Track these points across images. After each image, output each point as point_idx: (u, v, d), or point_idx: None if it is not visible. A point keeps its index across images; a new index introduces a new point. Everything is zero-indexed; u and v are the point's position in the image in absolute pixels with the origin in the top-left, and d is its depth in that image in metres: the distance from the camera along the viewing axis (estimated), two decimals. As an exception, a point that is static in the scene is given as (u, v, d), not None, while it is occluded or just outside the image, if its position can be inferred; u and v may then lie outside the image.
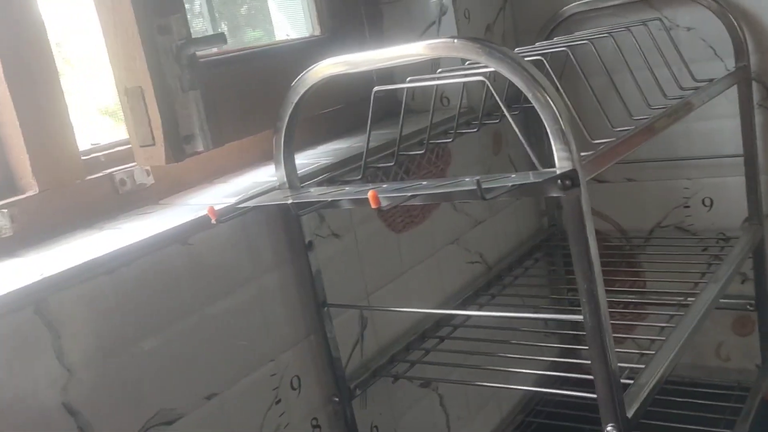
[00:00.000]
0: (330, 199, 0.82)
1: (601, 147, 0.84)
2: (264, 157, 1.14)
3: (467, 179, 0.77)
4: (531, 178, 0.72)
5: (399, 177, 1.18)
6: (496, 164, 1.41)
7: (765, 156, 1.32)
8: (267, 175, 1.03)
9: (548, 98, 0.72)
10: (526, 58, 1.01)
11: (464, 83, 1.23)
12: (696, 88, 1.12)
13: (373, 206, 0.71)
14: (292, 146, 0.94)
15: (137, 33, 0.82)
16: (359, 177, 0.99)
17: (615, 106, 0.98)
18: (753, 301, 1.37)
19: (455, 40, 0.76)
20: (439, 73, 1.05)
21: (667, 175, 1.42)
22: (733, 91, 1.28)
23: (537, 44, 1.24)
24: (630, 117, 1.00)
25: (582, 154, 0.77)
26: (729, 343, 1.45)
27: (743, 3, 1.27)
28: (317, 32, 1.26)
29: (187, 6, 0.89)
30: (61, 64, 0.91)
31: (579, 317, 0.78)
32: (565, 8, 1.41)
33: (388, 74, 1.34)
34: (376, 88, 0.95)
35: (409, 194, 0.74)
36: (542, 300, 1.44)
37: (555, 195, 0.74)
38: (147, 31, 0.83)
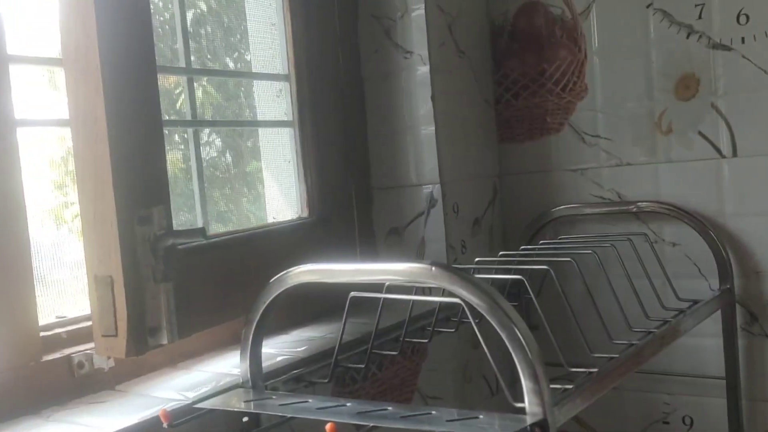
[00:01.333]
0: (289, 415, 0.79)
1: (581, 382, 0.82)
2: (233, 340, 1.10)
3: (433, 413, 0.73)
4: (497, 426, 0.69)
5: (371, 373, 1.15)
6: (473, 359, 1.38)
7: (748, 381, 1.29)
8: (232, 364, 1.00)
9: (519, 336, 0.70)
10: (507, 276, 1.01)
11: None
12: (681, 311, 1.11)
13: (331, 440, 0.67)
14: (260, 344, 0.91)
15: (116, 224, 0.81)
16: (327, 380, 0.96)
17: (596, 325, 0.96)
18: None
19: (433, 268, 0.75)
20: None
21: (648, 387, 1.39)
22: (717, 311, 1.27)
23: (521, 248, 1.24)
24: (610, 340, 0.98)
25: (554, 386, 0.74)
26: None
27: (728, 226, 1.28)
28: (305, 215, 1.27)
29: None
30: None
31: None
32: (553, 210, 1.42)
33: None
34: (352, 294, 0.93)
35: (362, 422, 0.70)
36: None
37: (523, 442, 0.70)
38: (126, 222, 0.83)
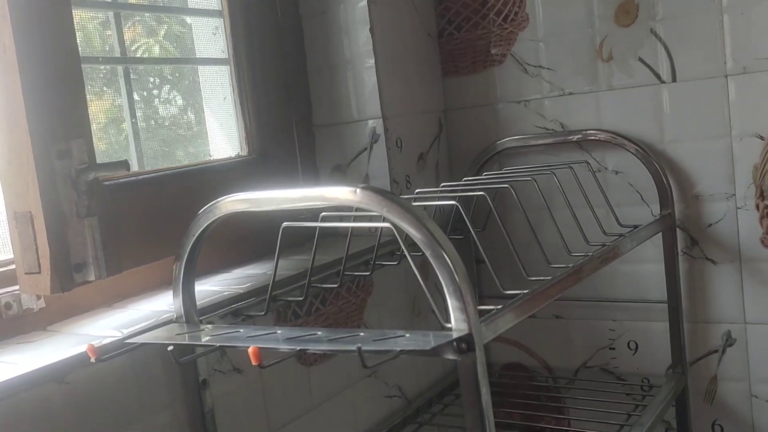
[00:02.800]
0: (218, 344, 0.78)
1: (510, 302, 0.82)
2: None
3: (361, 335, 0.73)
4: (422, 342, 0.68)
5: (314, 308, 1.15)
6: (422, 291, 1.38)
7: (689, 304, 1.31)
8: (170, 302, 0.99)
9: (444, 254, 0.70)
10: (441, 201, 1.00)
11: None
12: (621, 235, 1.12)
13: (254, 363, 0.67)
14: (192, 278, 0.90)
15: (32, 158, 0.79)
16: (264, 313, 0.95)
17: (538, 254, 0.96)
18: (676, 452, 1.33)
19: (357, 189, 0.74)
20: (357, 210, 1.03)
21: (593, 314, 1.41)
22: (659, 237, 1.28)
23: (464, 179, 1.24)
24: (548, 264, 0.98)
25: (483, 308, 0.74)
26: (652, 494, 1.41)
27: (668, 152, 1.28)
28: (244, 152, 1.25)
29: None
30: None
31: (473, 488, 0.73)
32: (497, 142, 1.42)
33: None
34: (284, 224, 0.92)
35: (288, 348, 0.70)
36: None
37: (451, 358, 0.70)
38: (43, 155, 0.80)
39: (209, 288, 1.03)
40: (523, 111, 1.40)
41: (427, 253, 0.71)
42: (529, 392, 1.45)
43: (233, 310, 0.97)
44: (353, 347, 0.65)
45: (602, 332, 1.40)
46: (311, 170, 1.35)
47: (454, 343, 0.69)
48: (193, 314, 0.90)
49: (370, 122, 1.31)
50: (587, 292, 1.39)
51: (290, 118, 1.31)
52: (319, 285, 1.06)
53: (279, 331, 0.79)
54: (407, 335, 0.72)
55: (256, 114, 1.25)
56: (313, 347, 0.71)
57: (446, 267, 0.70)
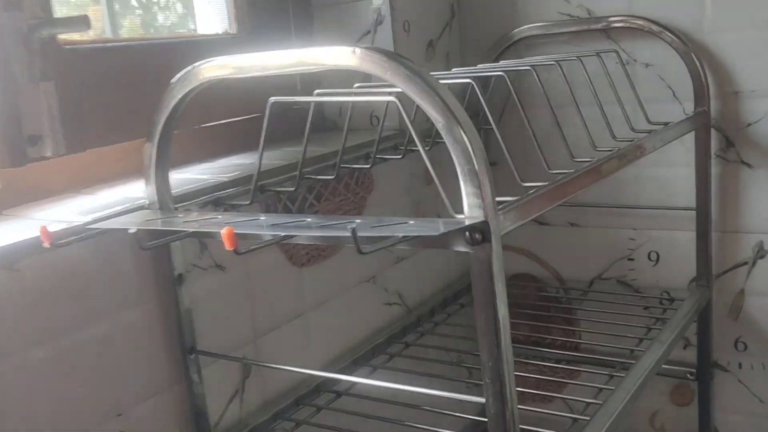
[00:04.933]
0: (191, 230, 0.67)
1: (530, 192, 0.71)
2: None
3: (357, 221, 0.62)
4: (429, 228, 0.57)
5: (308, 204, 1.03)
6: (427, 195, 1.27)
7: (719, 211, 1.20)
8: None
9: (460, 129, 0.58)
10: (454, 80, 0.87)
11: (387, 102, 1.08)
12: (650, 131, 1.00)
13: (228, 248, 0.56)
14: (167, 160, 0.78)
15: (-29, 6, 0.66)
16: (248, 202, 0.84)
17: (559, 144, 0.85)
18: (694, 370, 1.24)
19: (357, 50, 0.62)
20: (356, 87, 0.91)
21: (612, 222, 1.30)
22: (690, 138, 1.16)
23: (479, 66, 1.10)
24: (572, 158, 0.87)
25: (500, 199, 0.63)
26: (665, 413, 1.33)
27: (708, 43, 1.15)
28: (233, 30, 1.11)
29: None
30: None
31: (481, 399, 0.63)
32: (516, 30, 1.28)
33: (316, 80, 1.19)
34: (272, 99, 0.80)
35: (272, 234, 0.59)
36: (460, 356, 1.30)
37: (461, 250, 0.59)
38: (-14, 5, 0.67)
39: (189, 176, 0.92)
40: (546, -5, 1.26)
41: (439, 127, 0.59)
42: (538, 303, 1.36)
43: (214, 199, 0.86)
44: (347, 232, 0.54)
45: (621, 241, 1.30)
46: (309, 55, 1.22)
47: (467, 233, 0.58)
48: (167, 201, 0.79)
49: (375, 1, 1.17)
50: (607, 198, 1.28)
51: (285, -7, 1.17)
52: (313, 176, 0.95)
53: (263, 218, 0.68)
54: (411, 222, 0.61)
55: (248, -13, 1.11)
56: (300, 233, 0.60)
57: (461, 144, 0.58)
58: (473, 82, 0.81)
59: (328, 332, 1.07)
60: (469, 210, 0.59)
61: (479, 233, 0.58)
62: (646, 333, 1.12)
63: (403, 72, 0.60)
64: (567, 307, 1.32)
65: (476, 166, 0.58)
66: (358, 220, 0.62)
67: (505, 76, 0.85)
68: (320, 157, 1.00)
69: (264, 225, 0.65)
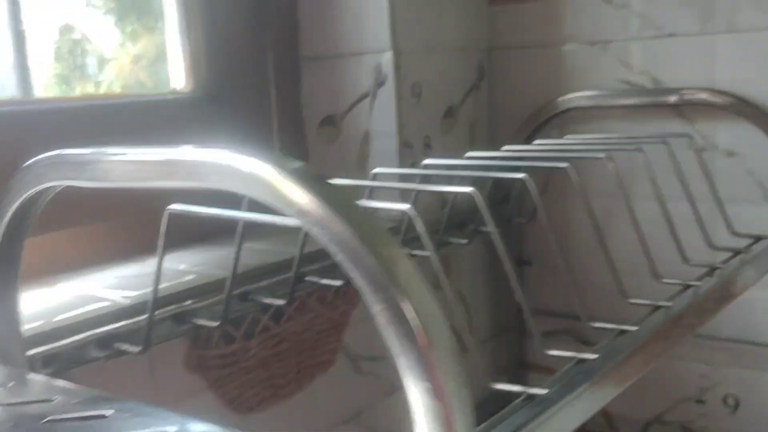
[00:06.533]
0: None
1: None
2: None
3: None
4: None
5: (260, 328, 0.77)
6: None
7: (824, 354, 0.90)
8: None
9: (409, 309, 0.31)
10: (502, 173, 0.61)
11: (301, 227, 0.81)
12: (736, 251, 0.72)
13: None
14: (14, 292, 0.52)
15: None
16: (140, 348, 0.58)
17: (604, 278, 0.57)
18: None
19: (226, 152, 0.36)
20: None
21: (679, 352, 1.01)
22: (788, 254, 0.87)
23: (504, 148, 0.83)
24: (623, 298, 0.61)
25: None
26: None
27: (817, 127, 0.86)
28: (188, 88, 0.86)
29: None
30: None
31: None
32: (560, 99, 1.01)
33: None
34: (169, 208, 0.53)
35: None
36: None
37: None
38: None
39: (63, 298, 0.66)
40: (601, 56, 0.99)
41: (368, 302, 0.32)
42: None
43: (97, 338, 0.59)
44: None
45: (689, 378, 1.01)
46: (292, 121, 0.97)
47: None
48: (15, 352, 0.53)
49: (374, 56, 0.91)
50: (671, 320, 0.99)
51: (262, 42, 0.92)
52: (257, 299, 0.68)
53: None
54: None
55: (210, 33, 0.86)
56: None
57: (406, 327, 0.31)
58: (474, 193, 0.54)
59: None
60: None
61: None
62: None
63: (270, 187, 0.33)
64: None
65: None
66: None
67: (528, 180, 0.58)
68: (272, 266, 0.73)
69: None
